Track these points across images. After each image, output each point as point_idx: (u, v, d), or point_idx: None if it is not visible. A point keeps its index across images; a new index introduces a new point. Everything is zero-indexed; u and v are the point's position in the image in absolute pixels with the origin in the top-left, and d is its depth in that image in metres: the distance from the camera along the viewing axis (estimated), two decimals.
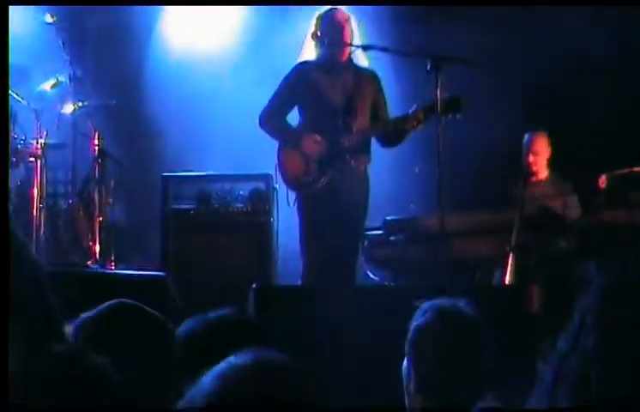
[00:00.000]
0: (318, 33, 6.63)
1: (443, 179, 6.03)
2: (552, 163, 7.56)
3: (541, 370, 1.76)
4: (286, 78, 6.77)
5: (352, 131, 6.58)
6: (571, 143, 7.80)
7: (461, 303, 3.09)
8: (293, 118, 6.87)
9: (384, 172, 9.67)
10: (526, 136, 7.57)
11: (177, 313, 4.27)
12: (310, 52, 6.76)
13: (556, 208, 7.24)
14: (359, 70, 6.74)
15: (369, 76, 6.76)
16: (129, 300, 2.53)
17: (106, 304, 2.49)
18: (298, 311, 5.07)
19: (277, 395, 1.60)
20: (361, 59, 6.79)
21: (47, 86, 7.94)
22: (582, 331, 1.66)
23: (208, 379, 1.63)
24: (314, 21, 6.70)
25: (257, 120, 6.76)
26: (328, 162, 6.56)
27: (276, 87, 6.78)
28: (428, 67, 6.05)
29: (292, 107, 6.77)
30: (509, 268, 6.63)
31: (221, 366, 1.65)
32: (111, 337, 2.35)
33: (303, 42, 6.95)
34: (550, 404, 1.67)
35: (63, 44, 7.76)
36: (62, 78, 7.82)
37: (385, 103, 6.81)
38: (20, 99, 7.72)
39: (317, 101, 6.64)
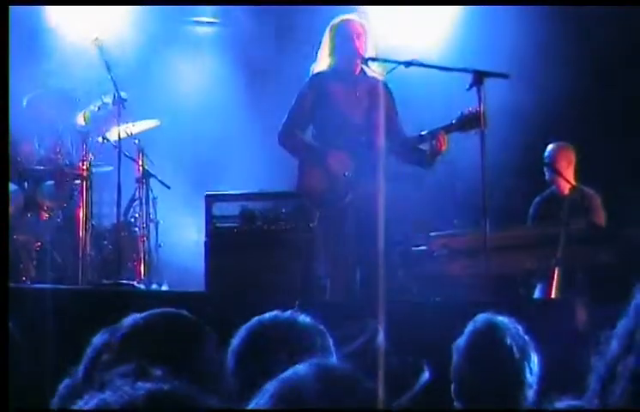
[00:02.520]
0: (332, 43, 6.54)
1: (487, 194, 5.98)
2: (578, 175, 7.50)
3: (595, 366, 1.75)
4: (302, 92, 6.63)
5: (374, 148, 6.44)
6: (596, 155, 7.79)
7: (503, 319, 3.08)
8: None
9: (428, 188, 9.69)
10: (553, 148, 7.52)
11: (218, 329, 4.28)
12: (324, 64, 6.61)
13: (600, 221, 7.20)
14: (372, 82, 6.60)
15: (382, 88, 6.60)
16: (174, 310, 2.56)
17: (154, 311, 2.51)
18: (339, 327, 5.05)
19: (340, 403, 1.61)
20: (373, 69, 6.63)
21: (93, 108, 8.04)
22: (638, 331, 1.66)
23: (272, 386, 1.65)
24: (328, 31, 6.59)
25: (277, 138, 6.63)
26: (353, 179, 6.47)
27: (292, 101, 6.65)
28: (470, 81, 5.99)
29: (310, 122, 6.65)
30: (554, 282, 6.58)
31: (287, 373, 1.66)
32: (164, 343, 2.38)
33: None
34: (603, 404, 1.67)
35: (108, 66, 7.84)
36: (107, 99, 7.90)
37: (397, 114, 6.69)
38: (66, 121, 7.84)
39: (336, 115, 6.53)
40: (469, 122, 6.15)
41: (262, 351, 2.54)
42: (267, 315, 2.75)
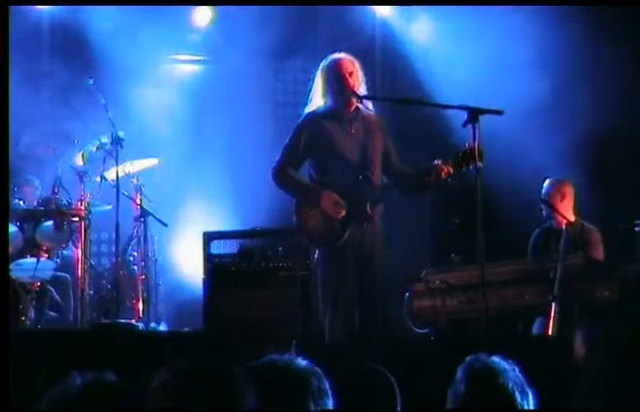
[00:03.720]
0: (325, 84, 6.55)
1: (483, 229, 5.98)
2: (577, 209, 7.52)
3: None
4: (297, 130, 6.62)
5: (372, 184, 6.48)
6: (595, 189, 7.83)
7: (500, 362, 3.08)
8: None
9: (425, 224, 9.72)
10: (549, 184, 7.53)
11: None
12: (317, 102, 6.60)
13: (597, 256, 7.22)
14: (366, 118, 6.62)
15: (376, 123, 6.66)
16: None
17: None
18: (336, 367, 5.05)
19: None
20: (367, 105, 6.63)
21: (91, 148, 8.07)
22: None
23: None
24: (320, 72, 6.60)
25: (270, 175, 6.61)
26: (349, 218, 6.43)
27: (287, 139, 6.64)
28: (465, 118, 6.01)
29: (305, 160, 6.64)
30: (552, 317, 6.59)
31: None
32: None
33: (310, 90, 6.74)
34: None
35: (105, 106, 7.89)
36: (104, 139, 7.94)
37: (393, 147, 6.71)
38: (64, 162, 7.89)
39: (331, 153, 6.52)
40: (465, 158, 6.18)
41: (259, 394, 2.55)
42: (264, 359, 2.76)
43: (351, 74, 6.51)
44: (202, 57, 9.97)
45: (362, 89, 6.56)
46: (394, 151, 6.70)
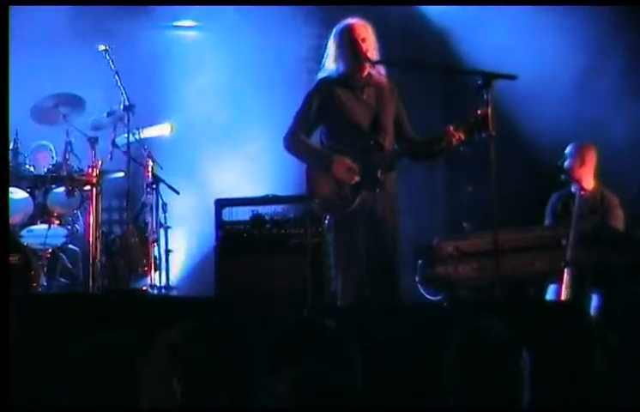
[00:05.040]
0: (338, 49, 6.50)
1: (496, 196, 5.94)
2: (599, 176, 7.44)
3: None
4: (309, 96, 6.59)
5: (383, 149, 6.44)
6: (616, 156, 7.75)
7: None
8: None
9: (438, 192, 9.69)
10: (571, 148, 7.43)
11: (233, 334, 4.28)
12: (330, 67, 6.56)
13: (610, 222, 7.17)
14: (379, 84, 6.57)
15: (388, 90, 6.60)
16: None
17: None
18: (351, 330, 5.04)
19: None
20: (379, 71, 6.58)
21: (102, 115, 8.06)
22: None
23: None
24: (332, 37, 6.55)
25: (282, 141, 6.58)
26: (360, 184, 6.41)
27: (299, 105, 6.60)
28: (479, 82, 5.96)
29: (316, 126, 6.60)
30: (564, 283, 6.56)
31: None
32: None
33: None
34: None
35: (117, 73, 7.86)
36: (115, 107, 7.92)
37: (406, 114, 6.66)
38: (75, 128, 7.88)
39: (343, 119, 6.49)
40: (477, 125, 6.12)
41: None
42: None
43: (364, 39, 6.46)
44: (215, 24, 9.91)
45: (375, 55, 6.51)
46: (406, 118, 6.65)
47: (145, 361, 2.44)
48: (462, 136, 6.26)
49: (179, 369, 2.40)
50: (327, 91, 6.53)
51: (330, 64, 6.57)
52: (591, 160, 7.37)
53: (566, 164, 7.35)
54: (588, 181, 7.31)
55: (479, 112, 6.06)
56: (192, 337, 2.46)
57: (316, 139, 6.65)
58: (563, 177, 7.43)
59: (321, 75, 6.63)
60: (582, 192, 7.15)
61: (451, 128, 6.27)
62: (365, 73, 6.52)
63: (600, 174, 7.42)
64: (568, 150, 7.42)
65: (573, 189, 7.35)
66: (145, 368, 2.42)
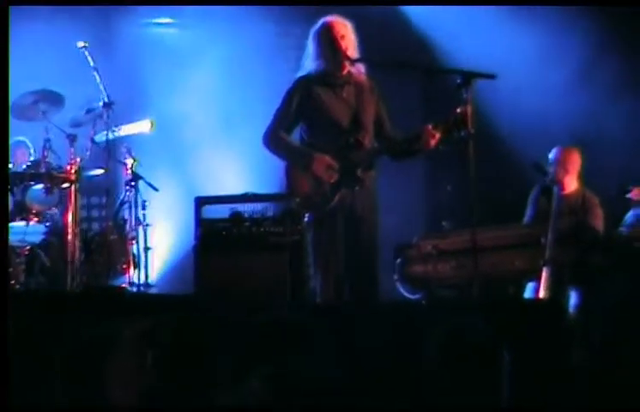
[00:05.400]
0: (317, 48, 6.48)
1: (475, 195, 5.95)
2: (580, 177, 7.48)
3: None
4: (288, 94, 6.57)
5: (362, 148, 6.42)
6: (597, 157, 7.80)
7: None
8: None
9: (417, 191, 9.71)
10: (555, 151, 7.48)
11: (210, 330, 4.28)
12: (310, 66, 6.52)
13: (589, 222, 7.21)
14: (359, 83, 6.55)
15: (369, 88, 6.58)
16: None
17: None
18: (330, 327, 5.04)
19: None
20: (359, 69, 6.55)
21: (81, 112, 8.03)
22: None
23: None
24: (311, 37, 6.53)
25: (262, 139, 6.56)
26: (340, 182, 6.39)
27: (278, 103, 6.58)
28: (459, 81, 5.95)
29: (296, 124, 6.58)
30: (543, 282, 6.59)
31: None
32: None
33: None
34: None
35: (96, 69, 7.83)
36: (95, 104, 7.90)
37: (386, 112, 6.64)
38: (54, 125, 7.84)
39: (323, 117, 6.47)
40: (456, 123, 6.11)
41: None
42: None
43: (343, 36, 6.44)
44: (198, 20, 9.89)
45: (354, 53, 6.49)
46: (386, 116, 6.64)
47: (116, 350, 2.44)
48: (440, 135, 6.25)
49: (149, 357, 2.39)
50: (306, 89, 6.51)
51: (310, 62, 6.54)
52: (574, 164, 7.43)
53: (550, 169, 7.38)
54: (571, 184, 7.37)
55: (458, 110, 6.05)
56: (164, 329, 2.46)
57: (296, 137, 6.64)
58: (546, 179, 7.46)
59: (301, 73, 6.61)
60: (564, 192, 7.19)
61: (430, 127, 6.26)
62: (345, 71, 6.50)
63: (583, 175, 7.48)
64: (552, 155, 7.46)
65: (555, 187, 7.40)
66: (115, 356, 2.42)
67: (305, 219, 6.60)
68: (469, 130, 5.94)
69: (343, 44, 6.42)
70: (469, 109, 5.92)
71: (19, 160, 7.99)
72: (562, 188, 7.27)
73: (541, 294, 6.60)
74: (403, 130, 6.64)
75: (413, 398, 3.16)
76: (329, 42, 6.45)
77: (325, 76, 6.50)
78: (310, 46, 6.54)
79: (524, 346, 3.19)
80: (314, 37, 6.52)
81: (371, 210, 6.51)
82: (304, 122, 6.57)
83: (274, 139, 6.53)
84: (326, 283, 6.41)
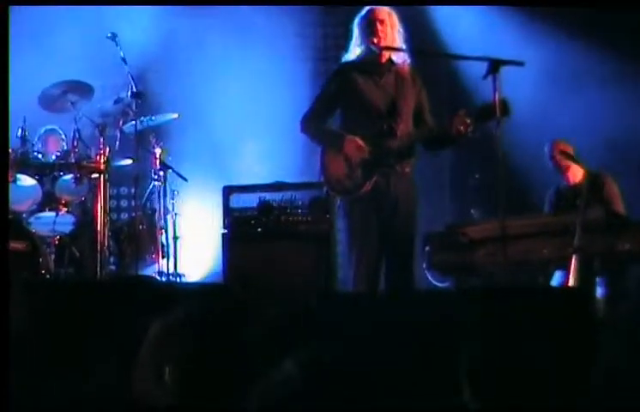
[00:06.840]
0: (358, 35, 6.50)
1: (504, 183, 5.92)
2: (583, 163, 7.49)
3: None
4: (328, 81, 6.68)
5: (396, 135, 6.40)
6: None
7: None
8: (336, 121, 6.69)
9: (445, 179, 9.68)
10: (547, 149, 7.65)
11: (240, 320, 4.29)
12: (352, 54, 6.57)
13: (618, 208, 7.19)
14: (400, 71, 6.56)
15: (410, 76, 6.58)
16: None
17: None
18: (360, 317, 5.04)
19: None
20: (403, 58, 6.55)
21: (109, 102, 8.07)
22: None
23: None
24: (355, 22, 6.55)
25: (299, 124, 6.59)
26: (371, 166, 6.39)
27: (318, 90, 6.69)
28: (485, 70, 5.93)
29: (334, 111, 6.62)
30: (572, 270, 6.56)
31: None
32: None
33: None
34: None
35: (124, 59, 7.87)
36: (123, 94, 7.93)
37: (427, 102, 6.63)
38: (83, 115, 7.89)
39: (359, 104, 6.48)
40: (487, 111, 6.08)
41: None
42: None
43: (382, 21, 6.44)
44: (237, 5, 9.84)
45: (395, 40, 6.48)
46: (427, 106, 6.62)
47: (149, 339, 2.46)
48: (471, 122, 6.23)
49: (174, 353, 2.40)
50: (346, 75, 6.55)
51: (353, 49, 6.57)
52: (569, 150, 7.47)
53: (550, 164, 7.51)
54: (577, 173, 7.44)
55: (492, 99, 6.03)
56: (189, 322, 2.47)
57: (336, 125, 6.66)
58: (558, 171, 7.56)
59: (344, 58, 6.64)
60: (575, 182, 7.28)
61: (461, 112, 6.24)
62: (385, 59, 6.51)
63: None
64: (546, 151, 7.60)
65: (563, 182, 7.62)
66: (142, 351, 2.44)
67: (337, 203, 6.61)
68: (499, 117, 5.93)
69: (380, 28, 6.42)
70: (497, 97, 5.91)
71: (51, 149, 8.01)
72: (569, 178, 7.36)
73: (570, 283, 6.57)
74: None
75: (449, 386, 3.15)
76: (366, 28, 6.46)
77: (365, 63, 6.52)
78: (355, 32, 6.57)
79: (555, 334, 3.18)
80: (356, 24, 6.55)
81: (408, 198, 6.48)
82: (341, 108, 6.60)
83: (310, 123, 6.57)
84: (358, 270, 6.40)
